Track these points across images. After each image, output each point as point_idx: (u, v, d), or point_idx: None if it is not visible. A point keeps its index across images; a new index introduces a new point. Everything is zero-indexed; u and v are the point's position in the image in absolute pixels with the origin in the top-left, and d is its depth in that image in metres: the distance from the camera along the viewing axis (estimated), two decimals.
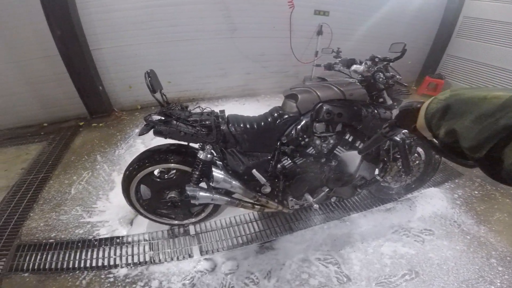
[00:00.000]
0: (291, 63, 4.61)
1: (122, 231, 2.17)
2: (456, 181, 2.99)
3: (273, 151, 1.82)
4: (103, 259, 1.97)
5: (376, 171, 2.09)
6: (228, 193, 1.87)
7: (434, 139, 0.63)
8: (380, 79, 1.74)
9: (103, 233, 2.16)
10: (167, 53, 3.91)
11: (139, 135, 1.63)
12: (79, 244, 2.06)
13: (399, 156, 2.09)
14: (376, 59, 1.80)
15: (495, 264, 2.07)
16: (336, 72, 2.12)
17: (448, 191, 2.82)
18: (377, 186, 2.42)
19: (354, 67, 1.90)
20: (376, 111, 1.77)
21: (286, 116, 1.75)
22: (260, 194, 1.89)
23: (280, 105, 1.87)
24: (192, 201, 1.75)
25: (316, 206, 1.96)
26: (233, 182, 1.75)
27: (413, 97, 5.20)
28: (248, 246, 2.09)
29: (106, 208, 2.37)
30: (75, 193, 2.55)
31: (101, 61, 3.67)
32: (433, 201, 2.62)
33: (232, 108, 4.14)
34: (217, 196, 1.79)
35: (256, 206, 1.93)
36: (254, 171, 1.80)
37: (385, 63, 1.80)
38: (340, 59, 2.07)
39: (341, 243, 2.13)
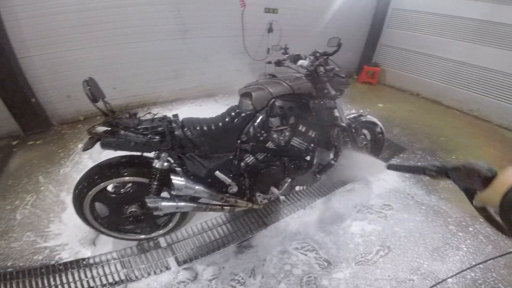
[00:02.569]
0: (246, 61, 4.63)
1: (86, 253, 1.99)
2: (401, 155, 3.35)
3: (235, 150, 1.82)
4: (75, 283, 1.79)
5: (331, 156, 2.25)
6: (193, 198, 1.82)
7: (496, 213, 0.59)
8: (321, 72, 1.88)
9: (66, 256, 1.96)
10: (111, 57, 3.61)
11: (83, 150, 1.46)
12: (42, 270, 1.84)
13: (348, 140, 2.31)
14: (317, 54, 1.98)
15: (454, 230, 2.30)
16: (286, 68, 2.22)
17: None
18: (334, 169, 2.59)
19: (300, 62, 2.04)
20: (322, 102, 1.93)
21: (243, 114, 1.78)
22: (227, 194, 1.89)
23: (237, 104, 1.89)
24: (155, 213, 1.67)
25: (282, 197, 2.03)
26: (197, 187, 1.70)
27: (354, 86, 5.75)
28: (226, 248, 2.06)
29: (61, 230, 2.15)
30: (22, 218, 2.25)
31: (32, 70, 3.24)
32: (385, 177, 2.86)
33: (188, 111, 4.04)
34: (182, 203, 1.74)
35: (226, 207, 1.92)
36: (217, 172, 1.79)
37: (325, 57, 1.96)
38: (287, 55, 2.20)
39: (313, 229, 2.23)
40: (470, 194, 0.70)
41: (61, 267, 1.87)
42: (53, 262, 1.91)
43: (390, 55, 5.93)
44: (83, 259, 1.93)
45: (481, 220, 2.37)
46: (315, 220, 2.31)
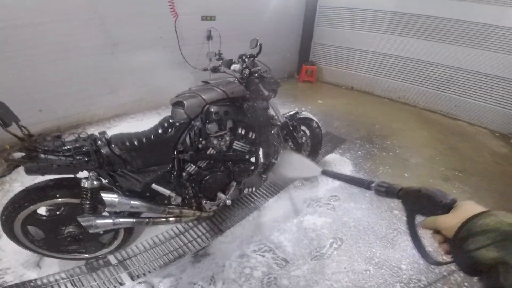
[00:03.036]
0: (188, 71, 4.54)
1: (31, 275, 1.87)
2: (342, 146, 3.58)
3: (172, 161, 1.80)
4: None
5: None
6: (133, 214, 1.78)
7: (448, 240, 0.60)
8: (245, 75, 1.95)
9: (10, 279, 1.83)
10: (34, 77, 3.24)
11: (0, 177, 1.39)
12: None
13: (288, 137, 2.43)
14: (243, 57, 2.06)
15: (399, 215, 2.42)
16: (223, 74, 2.26)
17: (338, 156, 3.34)
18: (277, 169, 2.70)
19: (233, 66, 2.12)
20: (255, 103, 1.99)
21: (177, 124, 1.77)
22: (171, 206, 1.87)
23: (170, 114, 1.88)
24: (90, 231, 1.63)
25: (229, 202, 2.04)
26: (132, 202, 1.67)
27: (296, 85, 6.01)
28: (181, 259, 2.01)
29: (1, 256, 1.99)
30: None
31: None
32: (329, 168, 3.02)
33: (128, 127, 3.83)
34: (120, 219, 1.71)
35: (171, 219, 1.90)
36: (154, 185, 1.76)
37: (251, 59, 2.03)
38: (221, 61, 2.24)
39: (268, 230, 2.27)
40: (412, 217, 0.73)
41: None
42: None
43: (324, 52, 6.28)
44: (30, 281, 1.82)
45: None
46: (269, 220, 2.37)
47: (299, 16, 6.12)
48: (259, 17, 5.26)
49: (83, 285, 1.83)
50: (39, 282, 1.81)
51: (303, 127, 2.71)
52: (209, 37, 4.57)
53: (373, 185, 0.88)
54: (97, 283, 1.84)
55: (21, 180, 2.70)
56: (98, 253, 1.96)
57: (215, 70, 2.26)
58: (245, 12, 4.98)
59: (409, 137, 3.93)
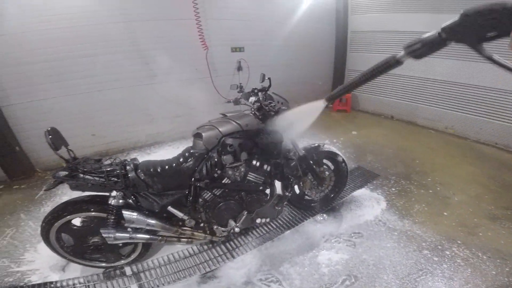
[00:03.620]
0: (219, 101, 4.72)
1: (54, 277, 2.14)
2: (374, 182, 3.31)
3: (188, 187, 1.96)
4: None
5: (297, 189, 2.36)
6: (149, 231, 1.98)
7: None
8: (257, 108, 2.05)
9: (34, 279, 2.13)
10: (88, 105, 3.80)
11: (45, 190, 1.80)
12: None
13: (308, 171, 2.38)
14: (255, 91, 2.19)
15: (429, 255, 2.22)
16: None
17: (368, 193, 3.10)
18: (301, 200, 2.70)
19: (251, 99, 2.22)
20: (269, 136, 2.05)
21: (196, 154, 1.94)
22: (184, 227, 2.03)
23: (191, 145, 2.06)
24: (109, 242, 1.87)
25: (237, 229, 2.12)
26: (149, 221, 1.89)
27: (329, 115, 5.86)
28: (190, 278, 2.09)
29: (35, 258, 2.33)
30: (0, 247, 2.45)
31: (14, 118, 3.41)
32: (357, 205, 2.87)
33: (166, 154, 4.13)
34: (137, 235, 1.92)
35: (183, 239, 2.08)
36: (170, 208, 1.96)
37: (263, 92, 2.15)
38: (242, 93, 2.38)
39: (279, 261, 2.22)
40: (480, 47, 0.62)
41: None
42: (21, 284, 2.09)
43: None
44: (51, 282, 2.10)
45: (459, 241, 2.33)
46: (282, 252, 2.32)
47: (331, 43, 6.04)
48: (289, 46, 5.34)
49: None
50: (58, 284, 2.06)
51: (327, 161, 2.65)
52: (239, 68, 4.81)
53: (400, 54, 0.77)
54: None
55: (70, 193, 3.09)
56: (116, 263, 2.16)
57: (236, 102, 2.39)
58: (273, 42, 5.14)
59: (454, 174, 3.47)
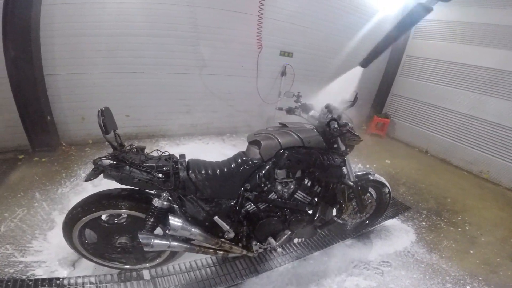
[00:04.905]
0: (256, 103, 4.68)
1: (62, 273, 1.92)
2: (406, 214, 3.27)
3: (237, 198, 1.79)
4: None
5: (334, 212, 2.18)
6: (187, 239, 1.76)
7: None
8: (334, 128, 1.82)
9: (39, 273, 1.89)
10: (129, 85, 3.76)
11: (86, 180, 1.50)
12: (9, 283, 1.76)
13: (353, 196, 2.22)
14: (331, 107, 1.95)
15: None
16: (296, 116, 2.23)
17: (399, 224, 3.05)
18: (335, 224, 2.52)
19: (311, 113, 2.05)
20: (331, 157, 1.89)
21: (250, 163, 1.77)
22: (223, 240, 1.83)
23: (244, 149, 1.90)
24: (145, 249, 1.63)
25: (279, 250, 1.96)
26: (193, 230, 1.67)
27: (362, 137, 5.58)
28: None
29: (43, 248, 2.10)
30: (6, 230, 2.22)
31: (54, 88, 3.39)
32: (387, 234, 2.79)
33: (195, 148, 4.08)
34: (175, 243, 1.70)
35: (219, 252, 1.86)
36: (216, 218, 1.75)
37: (342, 110, 1.95)
38: (300, 104, 2.20)
39: (305, 282, 2.11)
40: None
41: (30, 283, 1.80)
42: (23, 277, 1.84)
43: (401, 106, 5.78)
44: (57, 279, 1.86)
45: (480, 278, 2.41)
46: (309, 272, 2.20)
47: (381, 63, 5.75)
48: (336, 59, 5.13)
49: None
50: (65, 282, 1.84)
51: (371, 189, 2.50)
52: (283, 73, 4.66)
53: None
54: None
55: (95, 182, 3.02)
56: (137, 266, 1.97)
57: (290, 111, 2.21)
58: (322, 53, 4.97)
59: (484, 216, 3.47)
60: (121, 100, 3.77)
